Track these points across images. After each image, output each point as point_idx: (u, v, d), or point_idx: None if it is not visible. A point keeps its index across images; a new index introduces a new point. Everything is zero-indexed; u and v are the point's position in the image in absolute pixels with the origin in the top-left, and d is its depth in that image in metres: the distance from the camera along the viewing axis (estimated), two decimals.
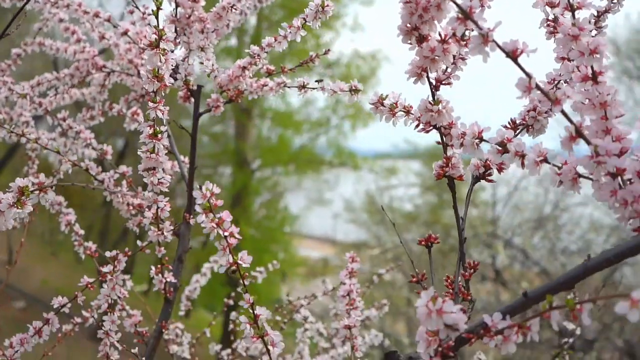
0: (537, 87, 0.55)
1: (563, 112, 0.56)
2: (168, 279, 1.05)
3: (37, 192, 0.72)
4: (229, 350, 1.45)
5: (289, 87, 1.05)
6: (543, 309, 0.52)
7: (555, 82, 0.75)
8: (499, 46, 0.55)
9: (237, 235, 0.69)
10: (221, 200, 0.69)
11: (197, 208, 0.68)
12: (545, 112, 0.73)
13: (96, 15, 1.16)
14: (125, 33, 1.13)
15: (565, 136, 0.57)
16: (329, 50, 1.10)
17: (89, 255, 1.14)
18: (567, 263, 6.35)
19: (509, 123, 0.75)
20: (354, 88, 0.93)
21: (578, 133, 0.56)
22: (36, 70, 1.30)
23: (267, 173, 12.06)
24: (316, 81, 1.01)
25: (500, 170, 0.73)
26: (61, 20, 1.25)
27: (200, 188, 0.67)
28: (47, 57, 1.47)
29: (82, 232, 1.18)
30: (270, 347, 0.71)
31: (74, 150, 1.39)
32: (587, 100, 0.60)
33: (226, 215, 0.68)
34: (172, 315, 1.58)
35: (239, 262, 0.69)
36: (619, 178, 0.57)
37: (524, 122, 0.75)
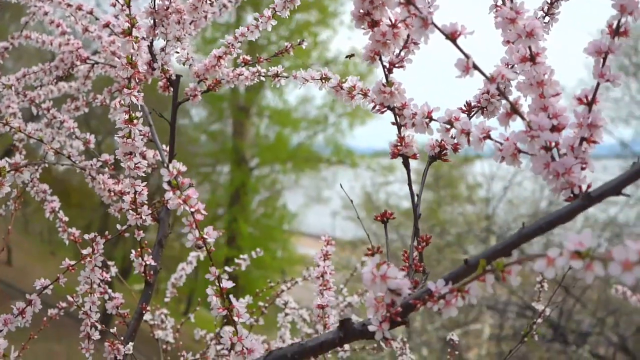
0: (475, 66, 0.59)
1: (498, 90, 0.60)
2: (148, 262, 1.08)
3: (12, 172, 0.76)
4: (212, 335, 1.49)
5: (263, 76, 1.09)
6: (478, 273, 0.56)
7: (509, 66, 0.78)
8: (438, 28, 0.59)
9: (203, 212, 0.72)
10: (188, 179, 0.73)
11: (165, 186, 0.71)
12: (499, 95, 0.77)
13: (79, 8, 1.19)
14: (106, 25, 1.16)
15: (502, 112, 0.61)
16: (303, 40, 1.14)
17: (72, 240, 1.17)
18: None
19: (464, 105, 0.79)
20: (324, 77, 0.97)
21: (513, 109, 0.60)
22: None
23: (265, 171, 12.10)
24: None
25: (455, 150, 0.77)
26: (46, 14, 1.29)
27: (168, 167, 0.71)
28: (44, 57, 1.52)
29: (66, 218, 1.21)
30: (235, 319, 0.74)
31: (62, 143, 1.43)
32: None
33: (192, 193, 0.72)
34: (173, 314, 1.63)
35: (205, 236, 0.73)
36: (554, 151, 0.61)
37: (478, 104, 0.79)
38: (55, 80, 1.35)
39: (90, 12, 1.22)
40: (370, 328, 0.63)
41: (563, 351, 6.08)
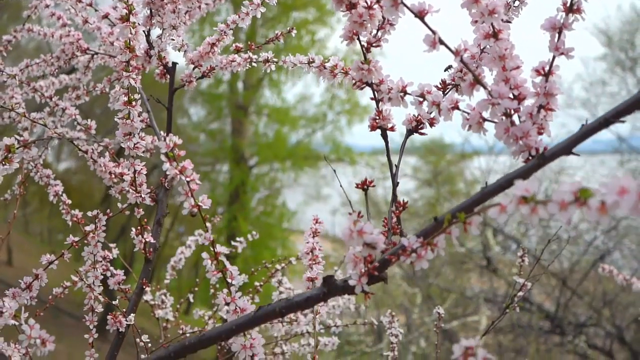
0: (441, 41, 0.65)
1: (462, 62, 0.66)
2: (147, 240, 1.14)
3: (21, 148, 0.82)
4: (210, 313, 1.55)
5: (255, 62, 1.15)
6: (445, 226, 0.62)
7: (480, 46, 0.84)
8: (407, 7, 0.65)
9: (197, 181, 0.78)
10: (184, 151, 0.79)
11: (163, 157, 0.77)
12: (464, 69, 0.82)
13: (79, 0, 1.25)
14: (105, 16, 1.22)
15: (466, 83, 0.67)
16: (292, 28, 1.20)
17: (75, 222, 1.23)
18: (557, 250, 6.46)
19: (439, 83, 0.85)
20: (311, 60, 1.03)
21: (476, 80, 0.66)
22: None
23: (265, 169, 12.16)
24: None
25: (431, 124, 0.83)
26: (47, 6, 1.35)
27: (165, 139, 0.77)
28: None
29: (69, 201, 1.27)
30: (229, 280, 0.81)
31: (65, 133, 1.49)
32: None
33: (188, 164, 0.78)
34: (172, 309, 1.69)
35: (200, 204, 0.79)
36: (515, 118, 0.67)
37: (452, 81, 0.85)
38: (56, 71, 1.41)
39: (90, 4, 1.28)
40: (350, 282, 0.69)
41: (560, 343, 6.15)
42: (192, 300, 1.58)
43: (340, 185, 0.90)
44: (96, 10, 1.26)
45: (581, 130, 0.60)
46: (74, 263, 1.32)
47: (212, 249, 0.80)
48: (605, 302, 6.35)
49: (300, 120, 12.02)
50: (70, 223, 1.25)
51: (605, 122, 0.59)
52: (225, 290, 0.81)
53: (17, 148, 0.80)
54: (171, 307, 1.52)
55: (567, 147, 0.61)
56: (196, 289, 1.65)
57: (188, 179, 0.78)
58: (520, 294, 1.28)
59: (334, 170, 0.99)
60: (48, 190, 1.29)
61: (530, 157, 0.65)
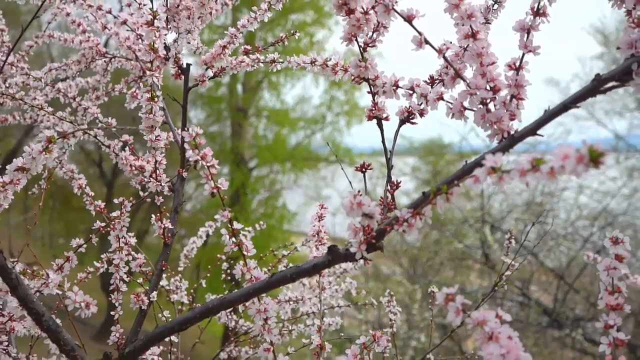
0: (426, 41, 0.76)
1: (444, 58, 0.77)
2: (166, 226, 1.26)
3: (61, 139, 0.94)
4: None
5: (262, 62, 1.27)
6: (431, 197, 0.73)
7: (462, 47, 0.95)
8: (397, 12, 0.76)
9: (216, 166, 0.90)
10: (204, 139, 0.90)
11: (186, 145, 0.89)
12: (446, 65, 0.93)
13: (99, 8, 1.36)
14: (124, 22, 1.33)
15: (448, 77, 0.78)
16: (296, 31, 1.31)
17: (98, 212, 1.35)
18: (554, 246, 6.57)
19: (428, 78, 0.96)
20: (313, 60, 1.14)
21: (457, 74, 0.78)
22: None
23: (265, 171, 12.26)
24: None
25: (421, 115, 0.94)
26: (68, 14, 1.46)
27: (188, 129, 0.88)
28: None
29: (92, 193, 1.38)
30: (245, 253, 0.92)
31: (92, 129, 1.61)
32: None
33: (208, 151, 0.89)
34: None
35: (219, 185, 0.90)
36: (491, 106, 0.78)
37: (439, 77, 0.96)
38: (77, 74, 1.52)
39: (109, 12, 1.39)
40: (352, 249, 0.80)
41: (558, 337, 6.26)
42: (204, 285, 1.70)
43: (349, 180, 1.00)
44: (115, 17, 1.37)
45: (545, 114, 0.72)
46: (77, 266, 1.42)
47: (229, 225, 0.91)
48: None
49: (299, 121, 12.13)
50: (94, 213, 1.37)
51: (564, 107, 0.71)
52: (241, 262, 0.92)
53: (57, 139, 0.92)
54: (186, 290, 1.64)
55: (533, 129, 0.72)
56: (208, 274, 1.76)
57: (208, 164, 0.89)
58: (508, 273, 1.39)
59: (342, 167, 1.10)
60: (72, 184, 1.41)
61: (503, 139, 0.76)
